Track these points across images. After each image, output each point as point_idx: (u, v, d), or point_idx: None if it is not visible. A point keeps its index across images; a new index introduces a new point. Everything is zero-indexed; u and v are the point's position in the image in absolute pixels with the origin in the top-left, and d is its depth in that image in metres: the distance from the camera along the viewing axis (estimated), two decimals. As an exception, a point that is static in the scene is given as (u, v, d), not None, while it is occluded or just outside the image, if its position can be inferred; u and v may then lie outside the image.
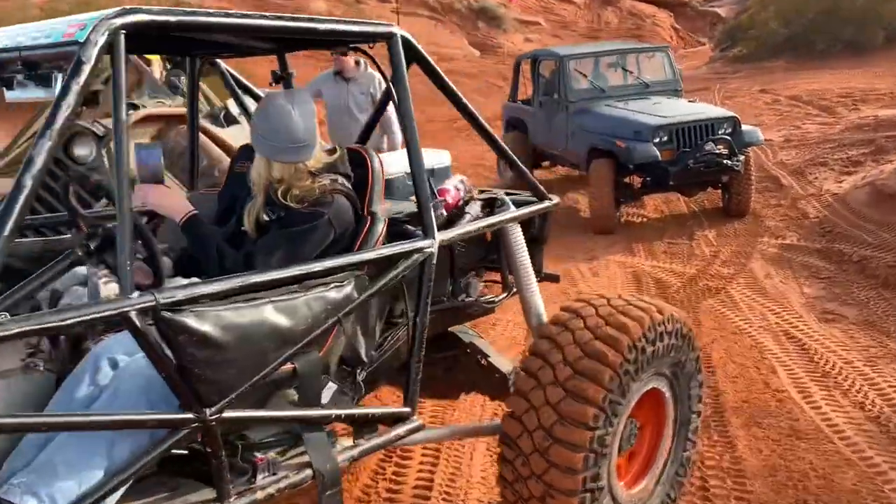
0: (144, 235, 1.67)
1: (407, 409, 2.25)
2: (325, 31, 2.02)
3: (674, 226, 7.90)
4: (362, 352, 2.12)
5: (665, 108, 7.84)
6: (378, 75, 6.21)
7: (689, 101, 8.42)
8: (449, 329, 3.11)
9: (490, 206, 2.84)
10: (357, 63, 6.22)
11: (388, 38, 2.21)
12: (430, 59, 2.37)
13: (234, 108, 5.31)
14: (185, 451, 1.80)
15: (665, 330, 2.46)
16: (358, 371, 2.26)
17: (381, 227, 2.20)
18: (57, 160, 3.73)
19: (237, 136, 4.93)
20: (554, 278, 3.25)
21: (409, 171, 3.00)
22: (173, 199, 2.10)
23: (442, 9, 24.40)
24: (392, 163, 3.05)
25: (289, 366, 1.87)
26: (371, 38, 2.27)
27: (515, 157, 2.78)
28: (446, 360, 3.12)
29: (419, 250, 2.19)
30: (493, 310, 3.00)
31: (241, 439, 1.91)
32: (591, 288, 6.17)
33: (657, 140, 7.34)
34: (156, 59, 5.32)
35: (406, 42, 2.25)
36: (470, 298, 2.82)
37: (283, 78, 2.78)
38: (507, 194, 3.02)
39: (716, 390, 4.15)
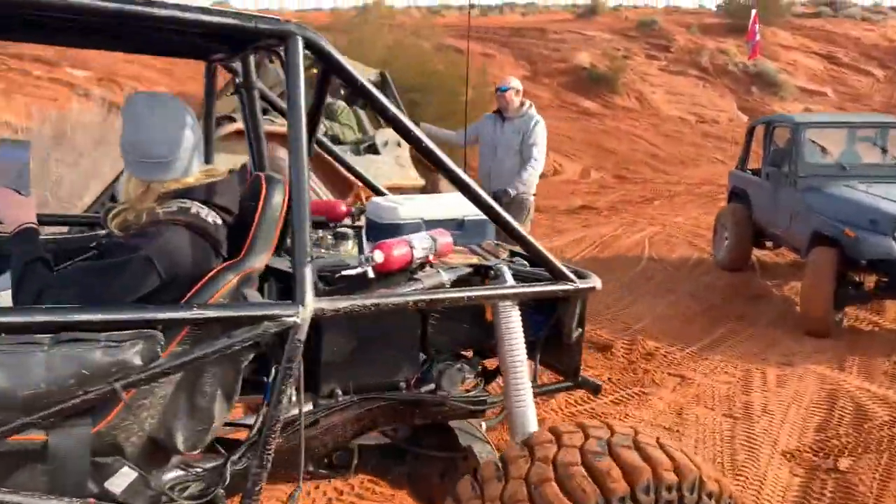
0: None
1: None
2: (166, 18, 1.55)
3: (912, 342, 6.29)
4: (178, 437, 1.61)
5: (919, 198, 6.31)
6: (538, 118, 5.68)
7: (961, 193, 6.72)
8: (450, 424, 2.48)
9: (483, 274, 2.19)
10: (522, 103, 5.75)
11: (283, 38, 1.70)
12: (352, 71, 1.82)
13: (381, 138, 5.09)
14: None
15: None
16: (235, 458, 1.76)
17: (229, 279, 1.67)
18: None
19: (365, 166, 4.67)
20: (594, 387, 2.46)
21: (427, 217, 2.48)
22: (18, 209, 1.77)
23: (714, 70, 22.95)
24: (417, 206, 2.53)
25: (38, 436, 1.43)
26: (249, 35, 1.77)
27: (508, 219, 2.09)
28: (444, 463, 2.48)
29: (273, 318, 1.62)
30: (480, 413, 2.30)
31: None
32: (765, 400, 5.01)
33: (900, 234, 5.92)
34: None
35: (312, 46, 1.73)
36: (443, 392, 2.17)
37: (243, 87, 2.36)
38: (533, 264, 2.34)
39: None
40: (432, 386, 2.17)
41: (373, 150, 4.98)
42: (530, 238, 2.10)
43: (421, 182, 5.21)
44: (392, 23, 19.06)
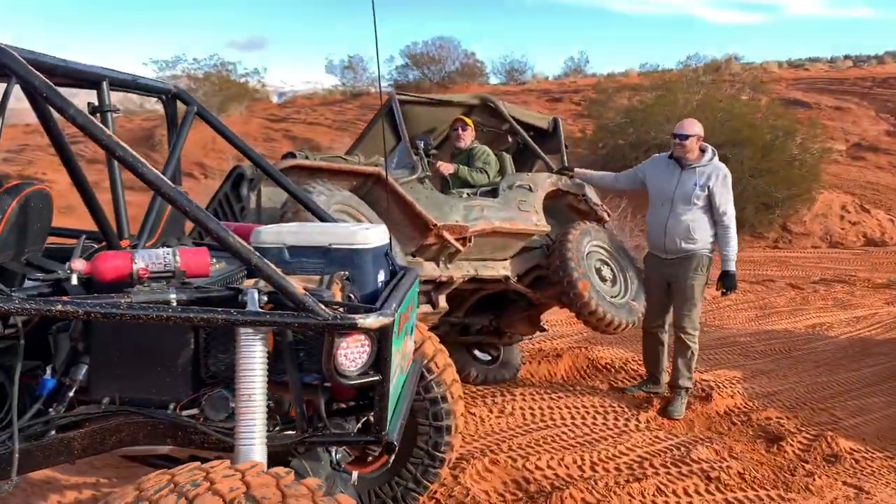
0: None
1: None
2: None
3: None
4: None
5: None
6: (725, 169, 5.02)
7: None
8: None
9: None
10: (703, 150, 5.10)
11: None
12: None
13: (507, 182, 4.98)
14: None
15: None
16: None
17: None
18: (227, 197, 4.13)
19: (468, 208, 4.60)
20: (386, 445, 2.16)
21: (290, 243, 2.49)
22: None
23: None
24: (280, 232, 2.51)
25: None
26: None
27: (219, 228, 1.92)
28: None
29: None
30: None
31: None
32: None
33: None
34: (471, 122, 5.34)
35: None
36: (209, 419, 2.10)
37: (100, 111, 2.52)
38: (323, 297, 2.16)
39: None
40: (196, 411, 2.12)
41: (493, 193, 4.86)
42: (261, 260, 1.93)
43: (545, 228, 4.91)
44: (716, 78, 18.08)
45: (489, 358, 5.75)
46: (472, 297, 5.18)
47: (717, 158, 5.16)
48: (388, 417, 2.19)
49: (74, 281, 2.00)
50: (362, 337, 2.07)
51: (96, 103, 2.48)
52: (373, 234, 2.51)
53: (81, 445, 2.14)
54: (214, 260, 2.53)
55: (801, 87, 23.09)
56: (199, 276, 2.15)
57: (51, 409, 2.15)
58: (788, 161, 15.01)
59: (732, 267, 5.14)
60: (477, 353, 5.73)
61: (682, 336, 5.21)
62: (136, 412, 2.13)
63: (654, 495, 3.92)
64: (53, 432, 2.17)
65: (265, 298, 2.06)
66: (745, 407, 5.34)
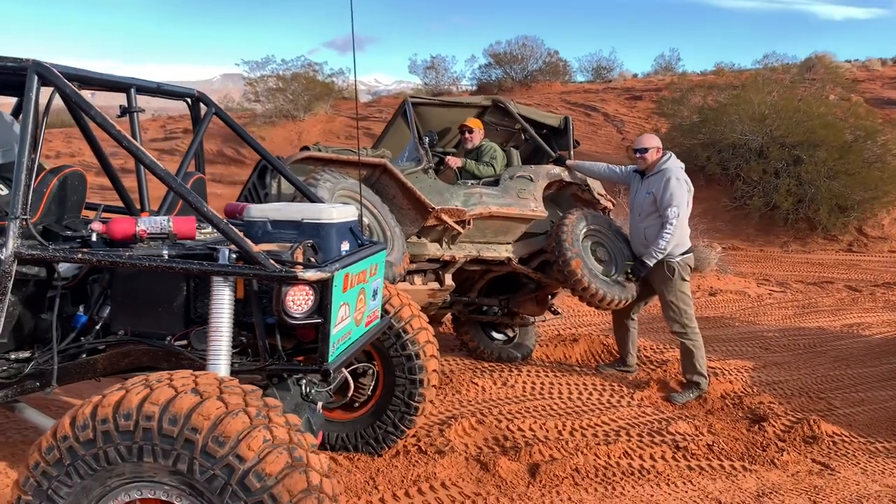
0: None
1: None
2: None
3: None
4: None
5: None
6: (672, 173, 5.31)
7: None
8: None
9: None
10: (661, 157, 5.43)
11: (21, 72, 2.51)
12: (87, 105, 2.51)
13: (508, 174, 5.48)
14: None
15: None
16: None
17: None
18: (254, 185, 4.83)
19: (468, 194, 5.13)
20: (323, 372, 2.74)
21: (272, 217, 3.12)
22: None
23: None
24: (265, 210, 3.12)
25: None
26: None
27: (197, 203, 2.56)
28: None
29: None
30: None
31: None
32: None
33: None
34: (478, 124, 5.87)
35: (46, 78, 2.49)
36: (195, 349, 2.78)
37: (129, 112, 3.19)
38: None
39: None
40: (186, 342, 2.79)
41: (496, 183, 5.41)
42: (226, 225, 2.55)
43: (542, 214, 5.39)
44: (796, 77, 17.76)
45: (505, 338, 6.28)
46: (481, 279, 5.72)
47: (671, 161, 5.39)
48: (329, 352, 2.78)
49: (94, 238, 2.70)
50: (307, 287, 2.68)
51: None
52: (336, 212, 3.11)
53: (102, 366, 2.85)
54: (210, 230, 3.20)
55: (898, 86, 22.24)
56: (188, 239, 2.81)
57: (82, 338, 2.87)
58: (868, 162, 14.67)
59: (650, 261, 5.34)
60: (493, 333, 6.27)
61: (676, 337, 5.56)
62: (142, 342, 2.82)
63: (619, 457, 4.36)
64: (84, 356, 2.88)
65: (234, 256, 2.69)
66: (741, 392, 5.64)
